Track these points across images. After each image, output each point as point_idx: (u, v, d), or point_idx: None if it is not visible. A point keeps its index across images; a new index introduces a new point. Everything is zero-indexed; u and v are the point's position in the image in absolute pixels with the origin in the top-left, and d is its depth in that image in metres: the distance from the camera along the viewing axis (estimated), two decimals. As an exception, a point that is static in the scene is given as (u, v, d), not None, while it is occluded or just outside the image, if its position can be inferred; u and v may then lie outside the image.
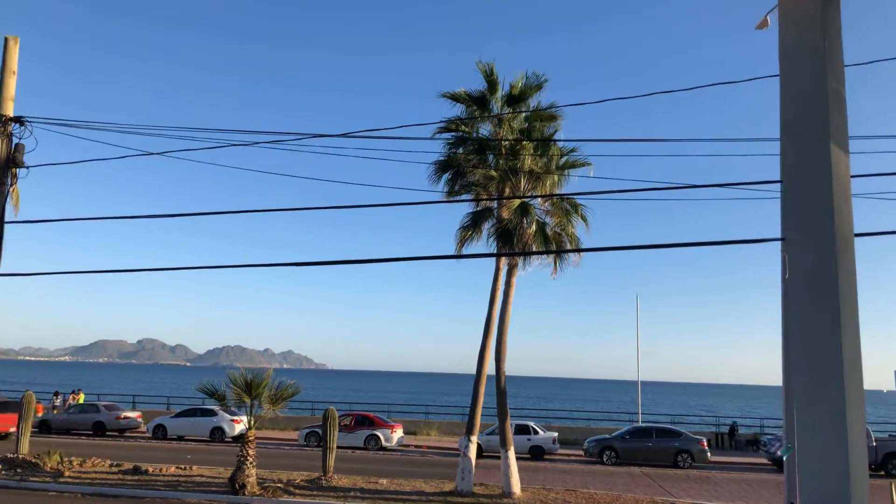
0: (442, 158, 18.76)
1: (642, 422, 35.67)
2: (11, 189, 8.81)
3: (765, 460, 28.86)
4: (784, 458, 6.55)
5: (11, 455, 20.67)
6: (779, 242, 6.57)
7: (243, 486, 16.69)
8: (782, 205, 6.33)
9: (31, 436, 23.96)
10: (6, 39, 8.92)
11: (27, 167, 8.85)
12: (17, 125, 8.69)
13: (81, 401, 37.47)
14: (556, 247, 18.04)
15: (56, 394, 41.69)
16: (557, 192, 18.82)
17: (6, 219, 8.76)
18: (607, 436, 29.15)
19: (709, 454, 27.60)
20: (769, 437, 30.96)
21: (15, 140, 8.74)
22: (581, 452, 29.45)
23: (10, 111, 8.81)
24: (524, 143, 17.94)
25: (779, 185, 6.39)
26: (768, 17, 7.44)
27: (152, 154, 9.99)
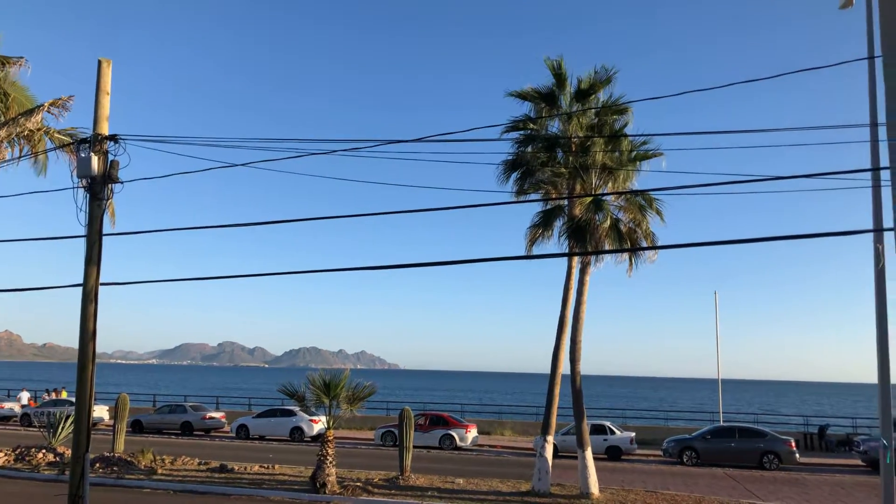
0: (510, 158, 18.59)
1: (724, 421, 34.50)
2: (108, 203, 9.44)
3: (858, 461, 27.42)
4: (888, 459, 6.29)
5: (108, 453, 21.90)
6: (869, 234, 6.28)
7: (324, 484, 17.15)
8: (875, 194, 6.08)
9: (125, 435, 25.35)
10: (100, 62, 9.51)
11: (122, 182, 9.46)
12: (112, 143, 9.29)
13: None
14: (630, 243, 17.69)
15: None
16: (629, 187, 18.46)
17: (104, 231, 9.37)
18: (687, 436, 28.38)
19: (797, 455, 26.44)
20: (863, 436, 29.38)
21: (110, 157, 9.36)
22: (660, 453, 28.84)
23: (105, 130, 9.42)
24: (595, 138, 17.67)
25: (869, 174, 6.13)
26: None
27: (235, 165, 10.41)
